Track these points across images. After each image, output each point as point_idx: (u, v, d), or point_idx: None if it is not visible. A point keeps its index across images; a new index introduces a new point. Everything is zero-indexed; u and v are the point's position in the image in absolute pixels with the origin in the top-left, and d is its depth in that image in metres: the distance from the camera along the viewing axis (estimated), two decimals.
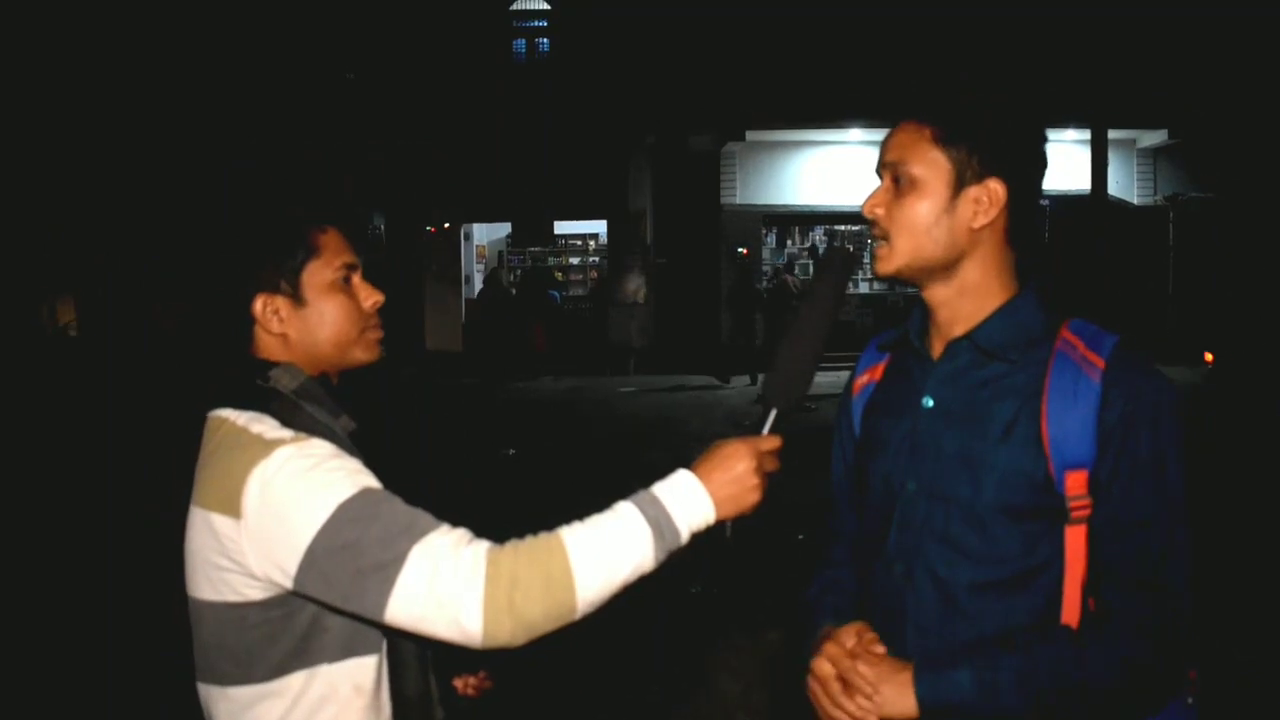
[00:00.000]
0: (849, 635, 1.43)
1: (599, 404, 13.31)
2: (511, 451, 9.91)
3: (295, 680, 1.35)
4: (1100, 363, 1.36)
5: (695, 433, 10.89)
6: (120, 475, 6.26)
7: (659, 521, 1.30)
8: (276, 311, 1.43)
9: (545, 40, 17.26)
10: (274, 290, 1.43)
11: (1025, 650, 1.34)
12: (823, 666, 1.42)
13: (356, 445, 1.44)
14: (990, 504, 1.37)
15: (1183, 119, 15.80)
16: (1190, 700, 1.44)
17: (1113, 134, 15.04)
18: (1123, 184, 17.10)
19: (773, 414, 1.42)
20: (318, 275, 1.45)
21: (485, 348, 15.75)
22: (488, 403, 13.58)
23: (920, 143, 1.43)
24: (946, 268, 1.44)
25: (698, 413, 12.30)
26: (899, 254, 1.44)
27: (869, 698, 1.36)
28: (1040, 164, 1.45)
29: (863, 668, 1.38)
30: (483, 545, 1.27)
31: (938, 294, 1.47)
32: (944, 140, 1.41)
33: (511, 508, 7.59)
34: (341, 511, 1.25)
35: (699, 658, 4.60)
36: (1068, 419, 1.35)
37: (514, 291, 17.15)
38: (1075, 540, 1.36)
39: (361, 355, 1.49)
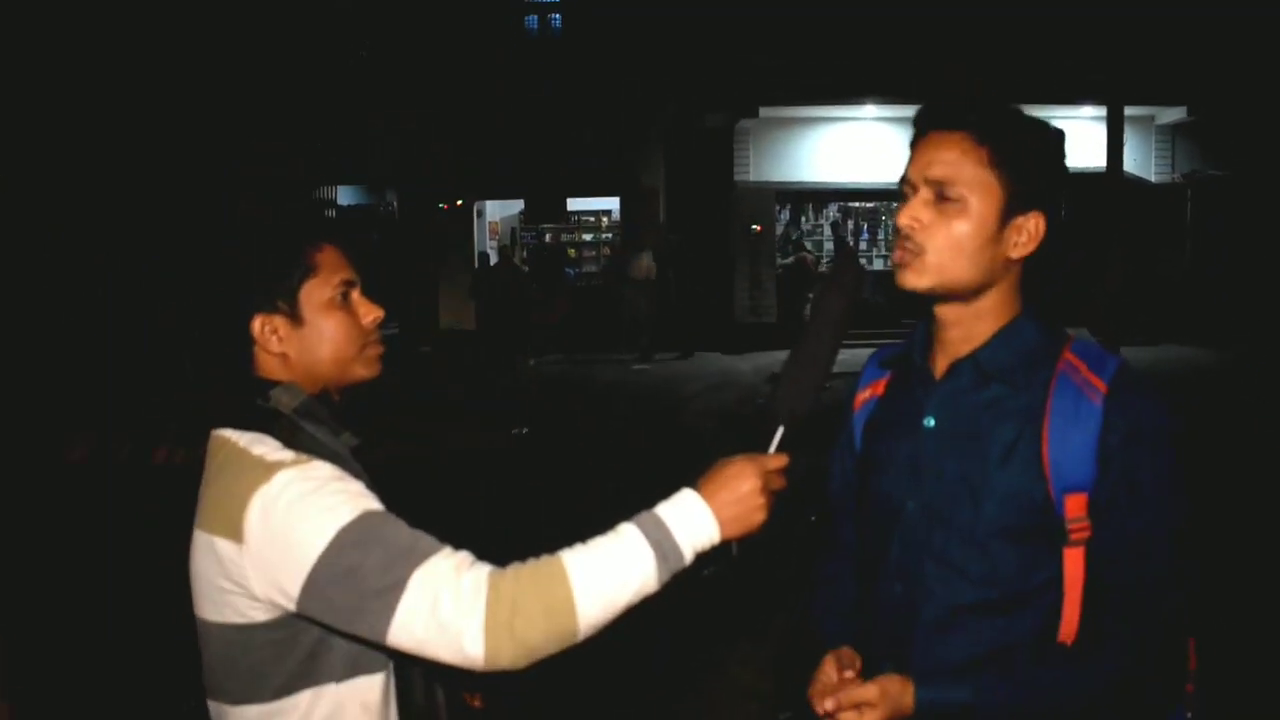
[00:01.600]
0: (831, 666, 1.45)
1: (611, 381, 13.32)
2: (524, 430, 9.95)
3: (302, 699, 1.36)
4: (1102, 386, 1.36)
5: (708, 411, 10.91)
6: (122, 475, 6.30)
7: (662, 544, 1.29)
8: (275, 331, 1.43)
9: (557, 16, 17.16)
10: (272, 310, 1.43)
11: (1022, 674, 1.36)
12: (821, 703, 1.43)
13: (358, 459, 1.45)
14: (990, 526, 1.38)
15: (1202, 96, 15.62)
16: (1189, 715, 1.46)
17: (1131, 110, 14.88)
18: (1140, 161, 16.94)
19: (779, 432, 1.41)
20: (315, 294, 1.44)
21: (498, 323, 15.69)
22: (500, 381, 13.60)
23: (975, 164, 1.37)
24: (974, 291, 1.43)
25: (710, 391, 12.31)
26: (932, 272, 1.40)
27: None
28: (1064, 195, 1.44)
29: (866, 688, 1.39)
30: (484, 569, 1.28)
31: (952, 313, 1.45)
32: (1001, 165, 1.37)
33: (521, 493, 7.63)
34: (342, 536, 1.26)
35: (709, 644, 4.63)
36: (1069, 442, 1.35)
37: (526, 268, 17.10)
38: (1074, 562, 1.37)
39: (362, 371, 1.49)
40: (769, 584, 5.26)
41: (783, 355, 1.53)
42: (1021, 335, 1.44)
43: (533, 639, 1.25)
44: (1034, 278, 1.47)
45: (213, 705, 1.43)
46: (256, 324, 1.43)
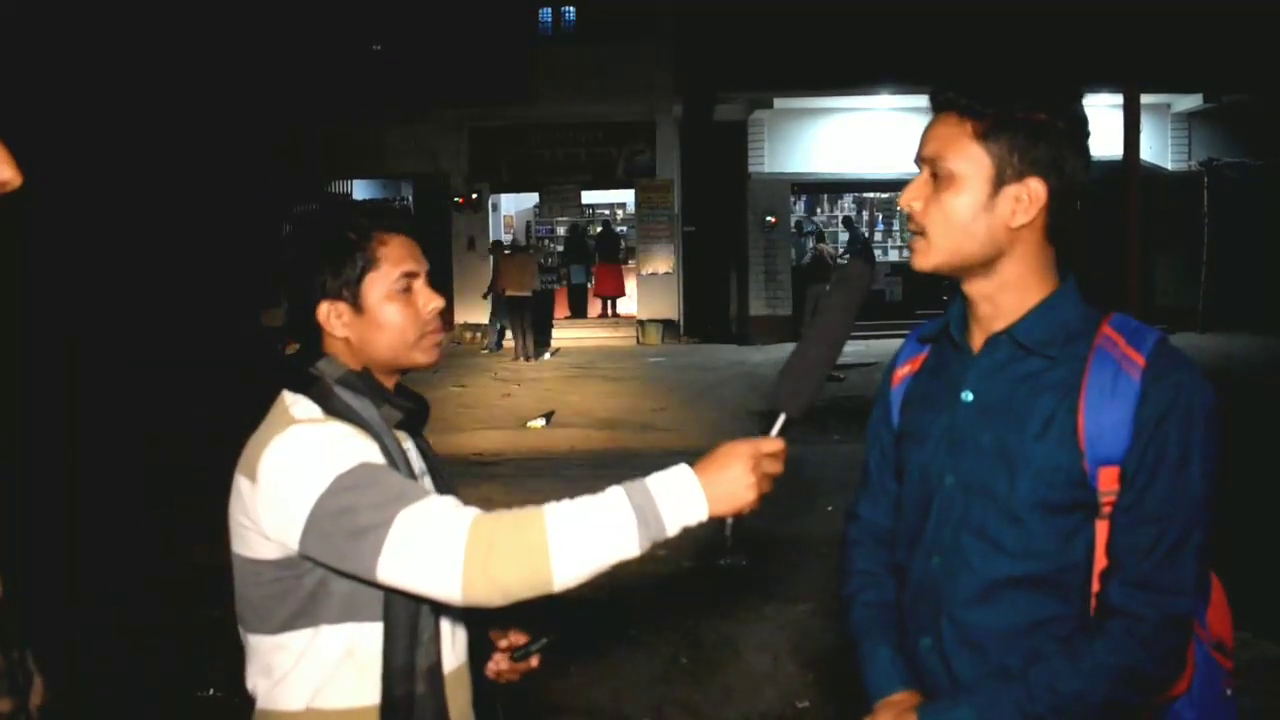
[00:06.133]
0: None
1: (628, 373, 13.35)
2: (542, 424, 9.99)
3: (301, 636, 1.49)
4: (1141, 360, 1.36)
5: (725, 402, 10.92)
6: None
7: (644, 510, 1.36)
8: (340, 316, 1.57)
9: (571, 9, 17.15)
10: (336, 297, 1.56)
11: (1022, 679, 1.37)
12: None
13: (409, 430, 1.61)
14: (1026, 499, 1.39)
15: (1218, 83, 15.52)
16: (1229, 692, 1.45)
17: (1146, 98, 14.79)
18: (1156, 149, 16.86)
19: (781, 419, 1.43)
20: (377, 284, 1.56)
21: None
22: (520, 372, 13.66)
23: (960, 137, 1.41)
24: (985, 264, 1.44)
25: (726, 382, 12.32)
26: (936, 250, 1.44)
27: None
28: (1084, 161, 1.43)
29: None
30: (469, 511, 1.38)
31: (978, 288, 1.47)
32: (985, 136, 1.40)
33: (536, 479, 7.66)
34: (339, 481, 1.39)
35: (727, 631, 4.64)
36: (1105, 415, 1.36)
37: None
38: (1105, 534, 1.38)
39: (420, 358, 1.61)
40: (786, 570, 5.28)
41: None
42: (1059, 309, 1.45)
43: (505, 578, 1.33)
44: (1065, 249, 1.47)
45: (240, 629, 1.57)
46: (322, 310, 1.57)
